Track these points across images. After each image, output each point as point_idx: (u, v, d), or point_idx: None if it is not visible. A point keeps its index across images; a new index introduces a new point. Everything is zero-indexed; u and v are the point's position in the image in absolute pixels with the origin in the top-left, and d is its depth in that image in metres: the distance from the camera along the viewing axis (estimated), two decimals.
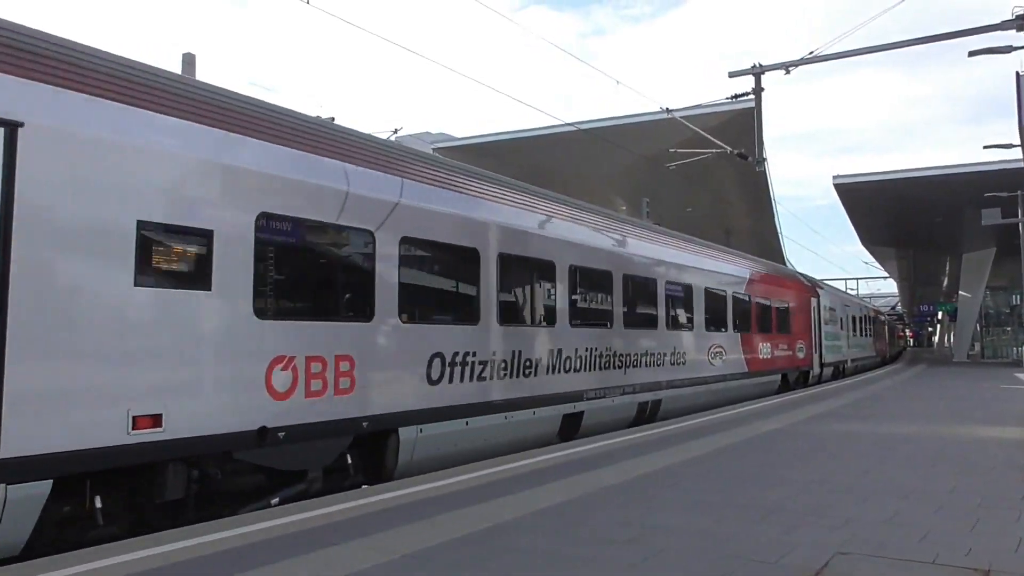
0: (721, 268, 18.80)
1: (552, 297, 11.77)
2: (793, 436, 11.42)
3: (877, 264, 65.71)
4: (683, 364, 15.92)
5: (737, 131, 25.51)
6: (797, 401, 18.08)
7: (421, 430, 8.82)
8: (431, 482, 7.74)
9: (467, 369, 9.70)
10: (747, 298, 20.07)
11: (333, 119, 22.38)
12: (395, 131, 27.78)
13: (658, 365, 14.87)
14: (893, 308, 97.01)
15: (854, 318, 36.78)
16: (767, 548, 5.26)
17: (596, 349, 12.67)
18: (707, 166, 27.89)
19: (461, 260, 9.94)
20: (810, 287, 27.72)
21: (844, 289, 63.19)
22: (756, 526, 5.88)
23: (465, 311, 9.98)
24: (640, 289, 14.46)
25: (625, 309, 13.70)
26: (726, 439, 11.10)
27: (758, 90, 18.27)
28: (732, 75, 18.31)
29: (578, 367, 12.14)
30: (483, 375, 9.97)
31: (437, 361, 9.21)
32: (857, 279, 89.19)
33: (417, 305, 9.15)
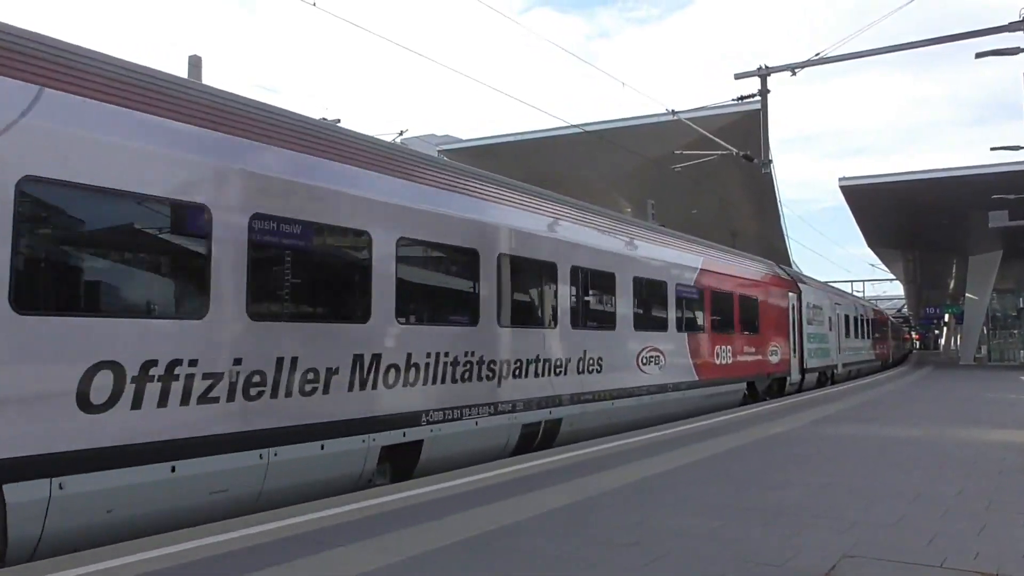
0: (659, 254, 15.37)
1: (364, 283, 8.31)
2: (798, 439, 11.40)
3: (883, 266, 65.58)
4: (598, 372, 12.62)
5: (743, 133, 25.49)
6: (802, 404, 18.04)
7: (62, 485, 5.66)
8: (438, 483, 7.74)
9: (176, 386, 6.41)
10: (698, 291, 16.60)
11: (339, 121, 22.44)
12: (400, 133, 27.87)
13: (557, 373, 11.54)
14: (899, 310, 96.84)
15: (848, 317, 33.02)
16: (773, 551, 5.25)
17: (448, 354, 9.36)
18: (713, 168, 27.87)
19: (166, 219, 6.66)
20: (789, 281, 24.24)
21: (851, 290, 62.48)
22: (762, 529, 5.87)
23: (174, 299, 6.79)
24: (528, 276, 11.31)
25: (501, 301, 10.46)
26: (731, 441, 11.08)
27: (764, 92, 18.29)
28: (738, 77, 18.33)
29: (412, 379, 8.80)
30: (210, 395, 6.67)
31: (104, 375, 5.94)
32: (863, 281, 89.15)
33: (60, 287, 6.05)
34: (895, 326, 63.67)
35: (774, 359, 21.34)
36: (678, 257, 16.26)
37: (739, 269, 19.71)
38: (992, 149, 28.70)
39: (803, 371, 24.29)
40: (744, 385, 19.22)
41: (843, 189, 33.01)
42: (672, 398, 15.26)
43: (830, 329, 28.74)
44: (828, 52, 16.83)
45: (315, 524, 6.02)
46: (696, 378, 16.26)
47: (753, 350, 19.73)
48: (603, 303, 13.22)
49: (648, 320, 14.50)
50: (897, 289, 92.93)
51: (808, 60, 17.04)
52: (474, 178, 11.02)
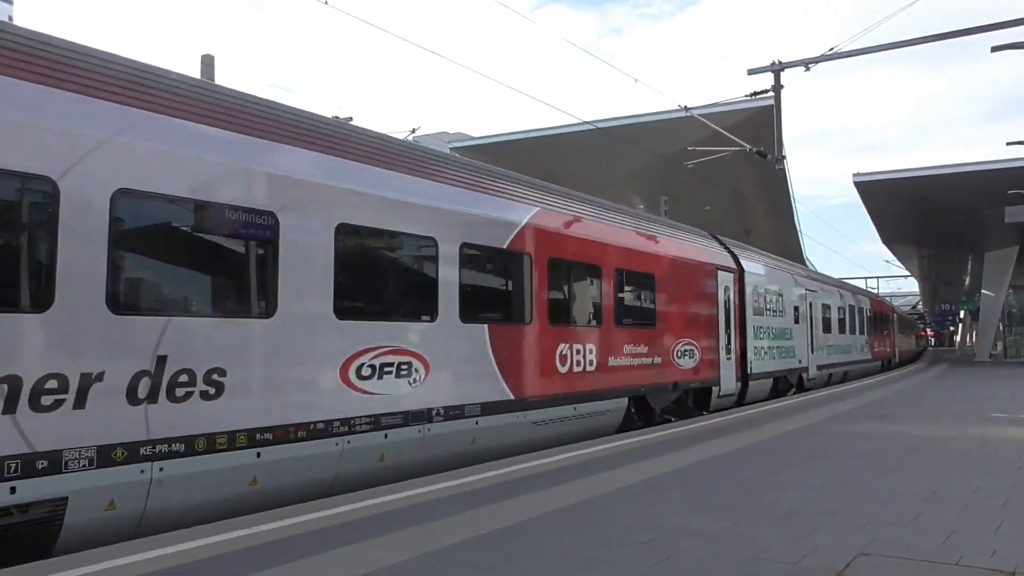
0: (413, 190, 9.18)
1: None
2: (811, 436, 11.31)
3: (898, 263, 65.15)
4: (209, 396, 6.75)
5: (756, 129, 25.37)
6: (815, 401, 17.92)
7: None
8: (447, 481, 7.71)
9: None
10: (521, 259, 10.73)
11: (351, 119, 22.48)
12: (412, 131, 27.86)
13: (41, 406, 5.63)
14: (914, 307, 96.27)
15: (829, 308, 26.95)
16: (787, 550, 5.19)
17: None
18: (726, 164, 27.75)
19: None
20: (721, 255, 17.78)
21: (864, 287, 60.79)
22: (775, 527, 5.81)
23: None
24: None
25: None
26: (744, 439, 11.00)
27: (777, 87, 18.16)
28: (751, 72, 18.21)
29: None
30: None
31: None
32: (878, 278, 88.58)
33: None
34: (904, 320, 56.12)
35: (686, 363, 15.18)
36: (470, 201, 10.03)
37: (615, 232, 13.25)
38: (1008, 144, 28.37)
39: (745, 378, 18.11)
40: (623, 403, 12.91)
41: (857, 185, 32.81)
42: (446, 432, 9.23)
43: (796, 322, 22.57)
44: (842, 47, 16.70)
45: (324, 522, 6.00)
46: (509, 396, 10.24)
47: (643, 350, 13.55)
48: (235, 267, 7.34)
49: (379, 300, 8.69)
50: (912, 286, 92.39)
51: (822, 55, 16.90)
52: None
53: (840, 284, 32.94)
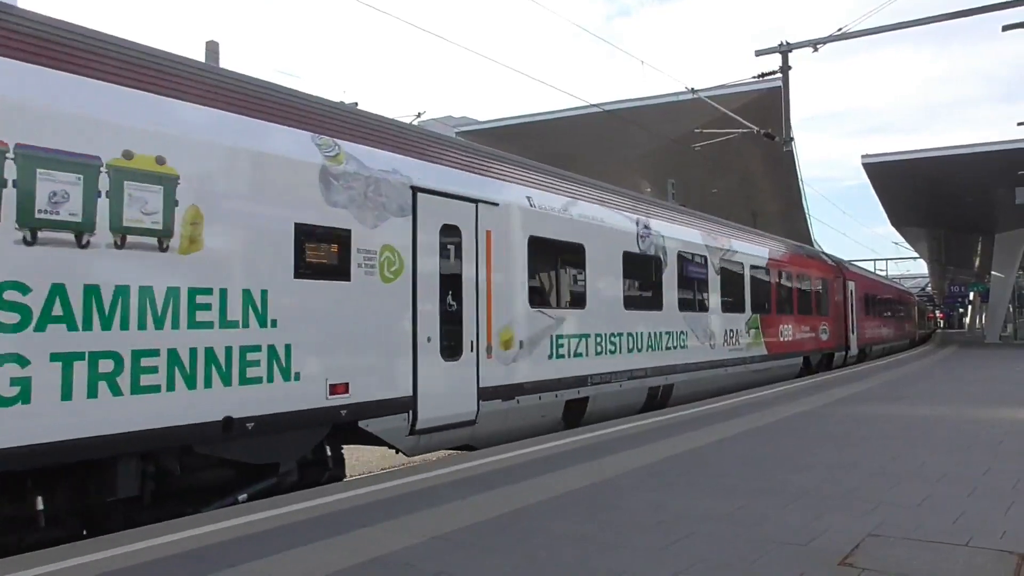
0: None
1: None
2: (821, 419, 11.31)
3: (907, 245, 64.80)
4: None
5: (764, 111, 25.18)
6: (824, 383, 17.90)
7: None
8: (457, 464, 7.75)
9: None
10: None
11: (356, 104, 22.41)
12: (418, 115, 27.77)
13: None
14: (923, 288, 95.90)
15: (581, 252, 11.82)
16: (797, 531, 5.21)
17: None
18: (733, 147, 27.59)
19: None
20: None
21: (873, 269, 59.72)
22: (785, 510, 5.83)
23: None
24: None
25: None
26: (753, 422, 11.01)
27: (785, 68, 18.05)
28: (759, 53, 18.10)
29: None
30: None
31: None
32: (887, 260, 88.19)
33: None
34: (876, 289, 36.68)
35: None
36: None
37: None
38: (1019, 124, 28.15)
39: None
40: None
41: (866, 167, 32.56)
42: None
43: (387, 276, 8.24)
44: (851, 27, 16.56)
45: (334, 506, 6.05)
46: None
47: None
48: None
49: None
50: (921, 267, 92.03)
51: (830, 35, 16.77)
52: None
53: (674, 209, 16.72)
